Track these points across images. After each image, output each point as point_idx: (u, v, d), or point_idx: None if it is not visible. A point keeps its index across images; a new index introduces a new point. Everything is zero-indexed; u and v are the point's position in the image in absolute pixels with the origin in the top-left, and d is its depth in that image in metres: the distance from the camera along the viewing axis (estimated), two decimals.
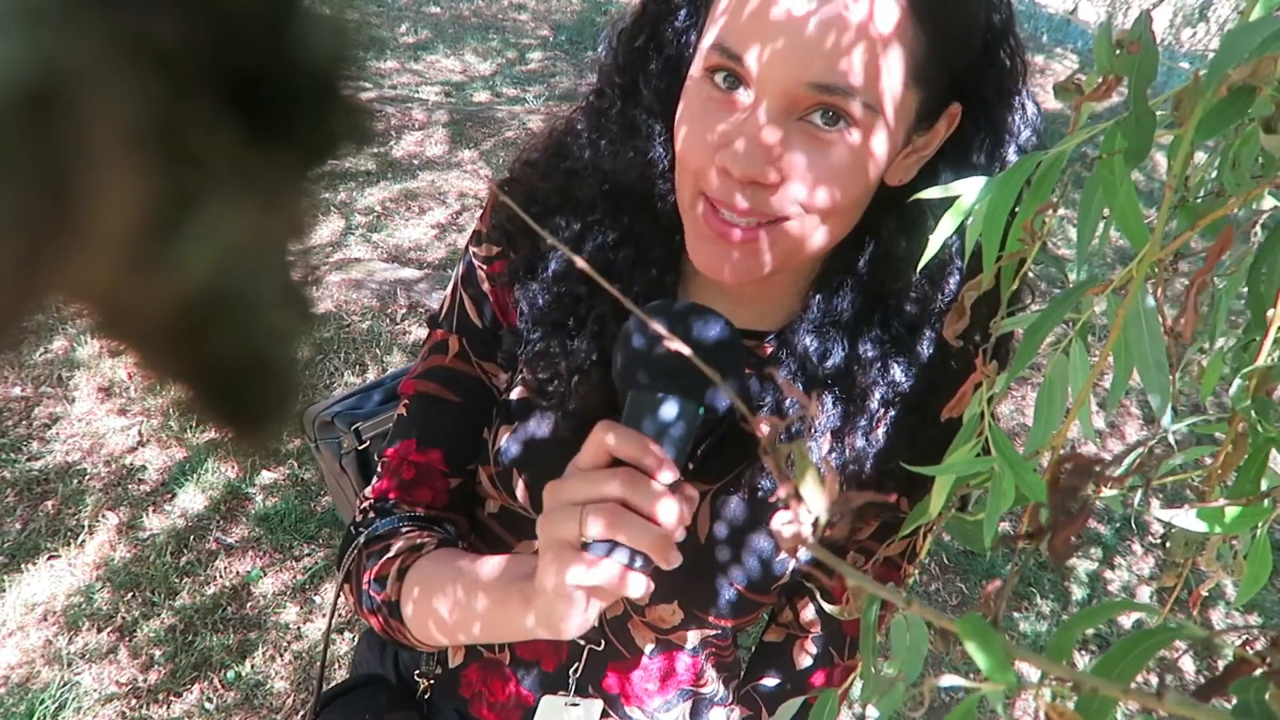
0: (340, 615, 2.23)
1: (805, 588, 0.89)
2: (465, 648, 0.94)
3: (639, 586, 0.61)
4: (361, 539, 0.84)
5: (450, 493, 0.86)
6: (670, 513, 0.60)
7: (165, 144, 0.15)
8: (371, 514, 0.85)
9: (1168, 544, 0.53)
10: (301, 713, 2.00)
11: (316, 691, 0.98)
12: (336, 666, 2.11)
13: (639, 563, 0.61)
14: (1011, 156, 0.70)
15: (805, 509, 0.24)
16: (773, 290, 0.79)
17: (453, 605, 0.73)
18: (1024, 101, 0.70)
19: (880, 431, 0.77)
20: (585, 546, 0.61)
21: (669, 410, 0.63)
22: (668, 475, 0.61)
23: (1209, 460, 0.48)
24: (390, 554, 0.81)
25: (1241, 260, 0.48)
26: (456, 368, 0.84)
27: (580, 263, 0.25)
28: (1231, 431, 0.43)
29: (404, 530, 0.83)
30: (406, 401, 0.86)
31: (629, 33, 0.75)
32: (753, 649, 0.98)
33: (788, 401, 0.77)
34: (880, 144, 0.64)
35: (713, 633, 0.90)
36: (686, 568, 0.82)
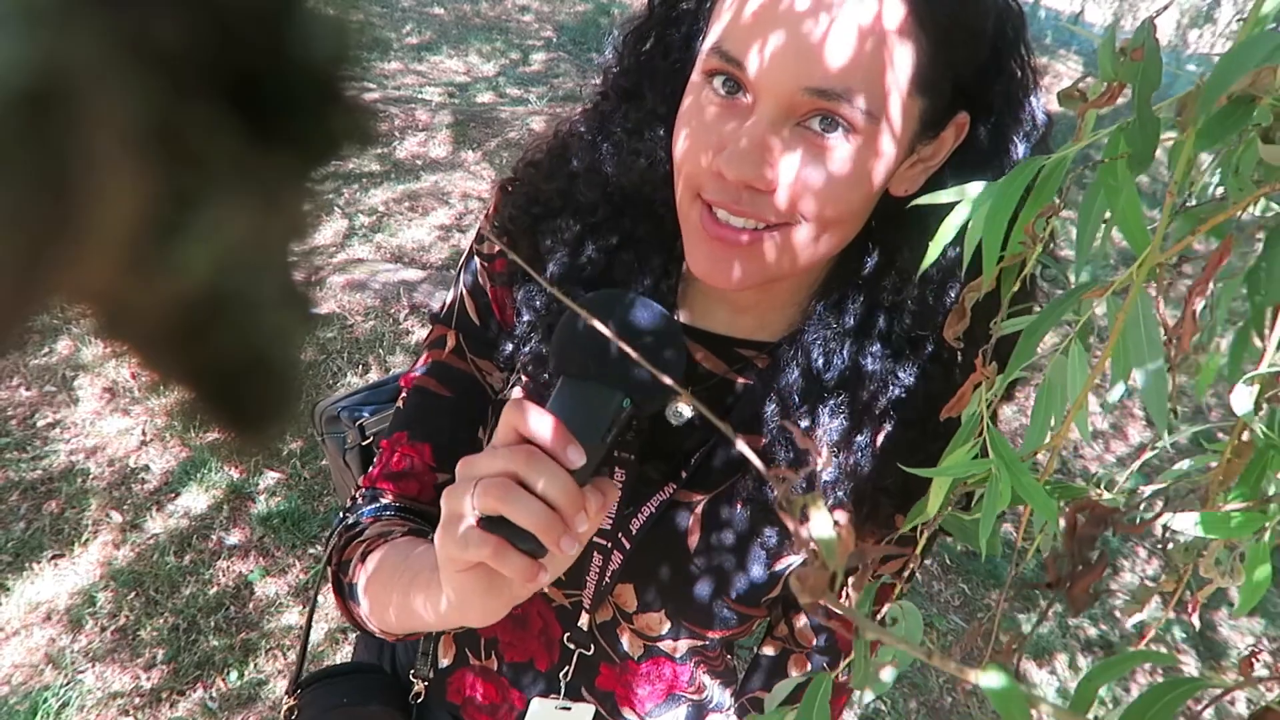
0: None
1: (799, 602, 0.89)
2: (454, 651, 0.95)
3: (517, 566, 0.58)
4: (342, 524, 0.85)
5: (438, 487, 0.86)
6: (562, 493, 0.57)
7: (166, 144, 0.15)
8: (359, 501, 0.86)
9: (1168, 550, 0.53)
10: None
11: (298, 666, 0.98)
12: None
13: (527, 544, 0.58)
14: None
15: (822, 562, 0.24)
16: (774, 299, 0.78)
17: (396, 590, 0.73)
18: (1033, 111, 0.69)
19: (879, 445, 0.77)
20: (481, 523, 0.59)
21: (587, 396, 0.61)
22: (573, 456, 0.58)
23: (1212, 464, 0.48)
24: (359, 539, 0.81)
25: (1247, 263, 0.48)
26: (452, 363, 0.84)
27: (545, 282, 0.25)
28: (1234, 438, 0.43)
29: (382, 518, 0.83)
30: (404, 395, 0.87)
31: (635, 36, 0.75)
32: (750, 660, 0.98)
33: (789, 415, 0.76)
34: (882, 150, 0.63)
35: (701, 642, 0.89)
36: (675, 577, 0.82)
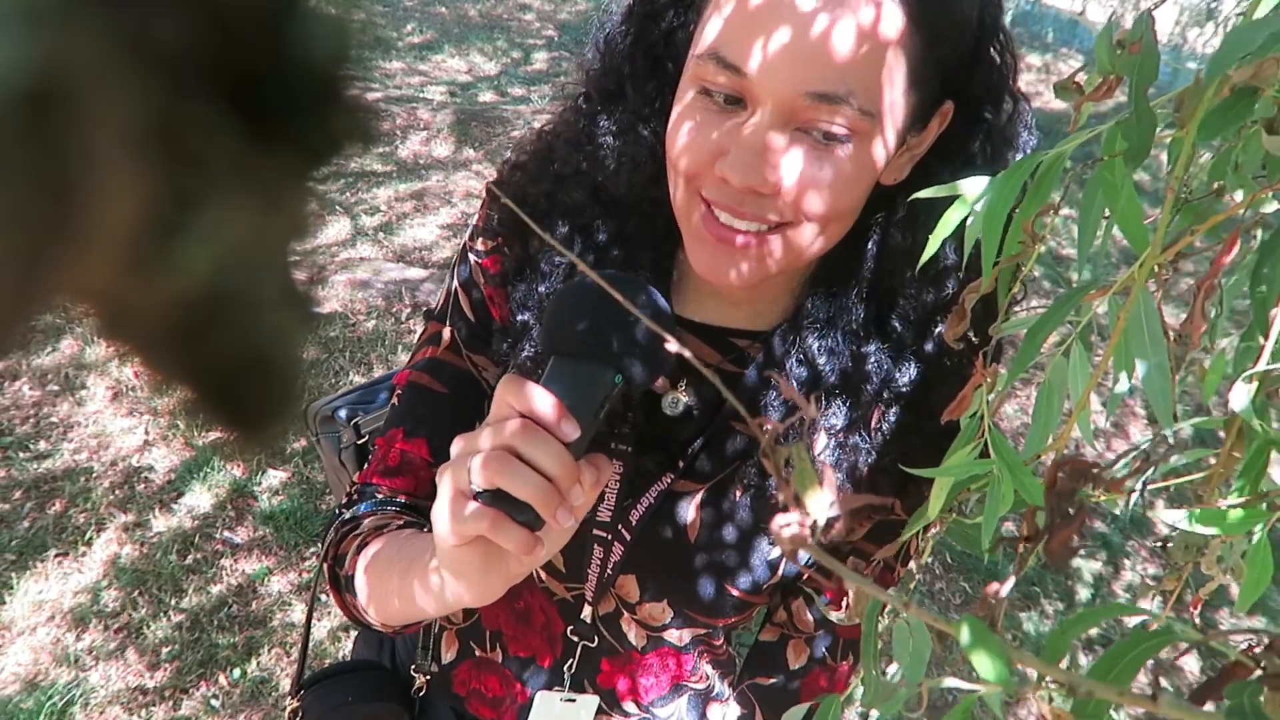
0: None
1: (799, 588, 0.89)
2: (457, 645, 0.95)
3: (515, 538, 0.59)
4: (339, 520, 0.85)
5: (433, 482, 0.86)
6: (558, 465, 0.59)
7: (166, 144, 0.15)
8: (355, 497, 0.86)
9: (1169, 545, 0.53)
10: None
11: (299, 667, 0.98)
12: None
13: (525, 516, 0.59)
14: (1004, 152, 0.70)
15: (804, 512, 0.24)
16: (768, 290, 0.78)
17: (394, 576, 0.74)
18: (1014, 96, 0.70)
19: (874, 429, 0.77)
20: (478, 497, 0.60)
21: (580, 373, 0.63)
22: (567, 429, 0.60)
23: (1212, 460, 0.48)
24: (356, 532, 0.82)
25: (1244, 259, 0.48)
26: (447, 359, 0.84)
27: (565, 251, 0.25)
28: (1230, 433, 0.43)
29: (378, 513, 0.83)
30: (399, 392, 0.87)
31: (615, 35, 0.74)
32: (750, 648, 0.98)
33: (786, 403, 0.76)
34: (879, 149, 0.64)
35: (704, 631, 0.89)
36: (677, 567, 0.83)
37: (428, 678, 0.94)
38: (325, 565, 0.85)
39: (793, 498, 0.23)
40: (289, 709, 0.96)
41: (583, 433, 0.61)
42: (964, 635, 0.23)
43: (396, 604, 0.74)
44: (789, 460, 0.24)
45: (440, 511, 0.61)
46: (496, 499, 0.59)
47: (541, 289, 0.77)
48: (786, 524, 0.23)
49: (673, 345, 0.25)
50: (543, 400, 0.60)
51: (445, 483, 0.62)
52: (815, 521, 0.23)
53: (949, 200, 0.50)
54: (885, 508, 0.82)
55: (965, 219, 0.48)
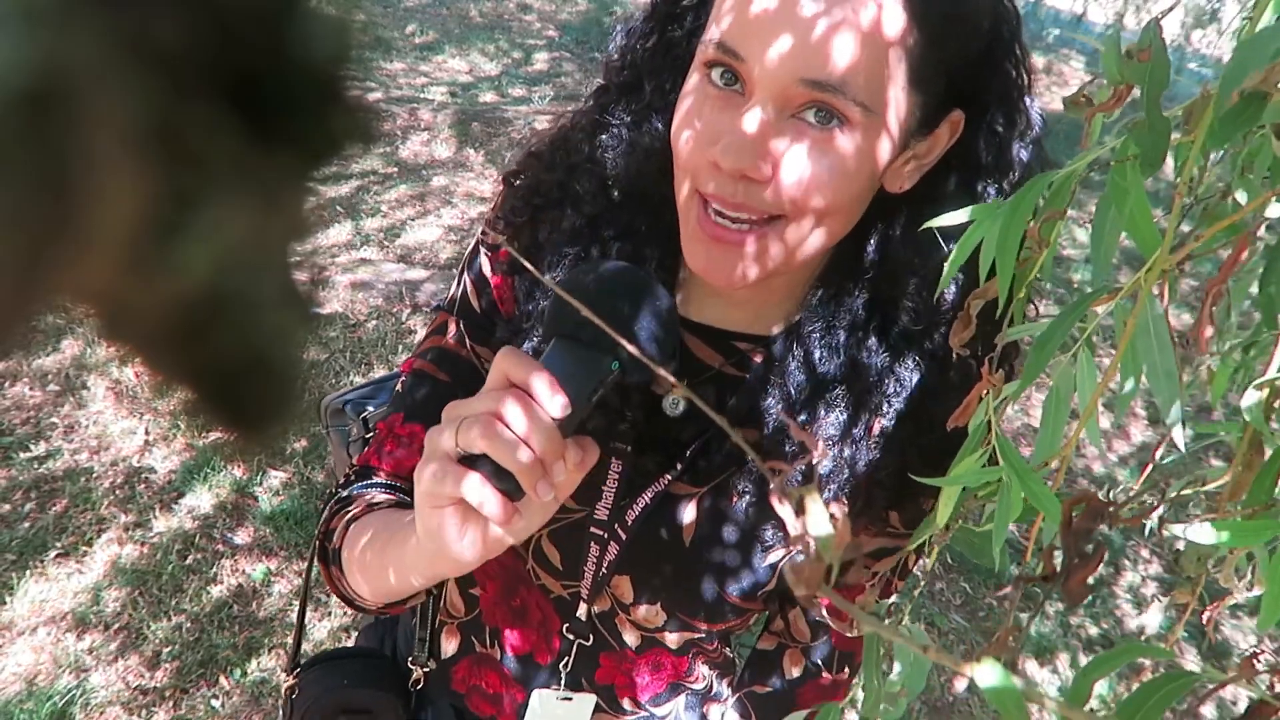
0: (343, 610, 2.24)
1: (796, 598, 0.89)
2: (459, 640, 0.95)
3: (493, 505, 0.59)
4: (334, 499, 0.86)
5: None
6: (544, 437, 0.59)
7: (166, 144, 0.15)
8: (352, 478, 0.87)
9: (1180, 559, 0.52)
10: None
11: (295, 645, 0.99)
12: None
13: (505, 484, 0.59)
14: (1013, 165, 0.70)
15: (817, 555, 0.24)
16: (770, 293, 0.78)
17: (375, 547, 0.74)
18: (1028, 111, 0.70)
19: (874, 439, 0.77)
20: (462, 460, 0.60)
21: (577, 356, 0.63)
22: (556, 403, 0.60)
23: (1222, 472, 0.48)
24: (348, 509, 0.82)
25: (1247, 262, 0.47)
26: (451, 349, 0.85)
27: (538, 273, 0.25)
28: (1244, 445, 0.43)
29: (371, 491, 0.84)
30: (403, 379, 0.88)
31: (637, 31, 0.75)
32: (748, 655, 0.98)
33: (787, 404, 0.76)
34: (876, 145, 0.64)
35: (698, 635, 0.90)
36: (671, 570, 0.83)
37: (426, 670, 0.95)
38: (316, 541, 0.86)
39: (805, 541, 0.23)
40: (285, 686, 0.96)
41: (573, 412, 0.61)
42: (983, 679, 0.23)
43: (378, 575, 0.75)
44: (800, 502, 0.24)
45: (423, 471, 0.62)
46: (479, 463, 0.59)
47: (549, 278, 0.77)
48: (801, 568, 0.23)
49: (677, 389, 0.25)
50: (537, 373, 0.61)
51: (430, 444, 0.62)
52: (830, 566, 0.23)
53: (955, 209, 0.49)
54: (883, 521, 0.82)
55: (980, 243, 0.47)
